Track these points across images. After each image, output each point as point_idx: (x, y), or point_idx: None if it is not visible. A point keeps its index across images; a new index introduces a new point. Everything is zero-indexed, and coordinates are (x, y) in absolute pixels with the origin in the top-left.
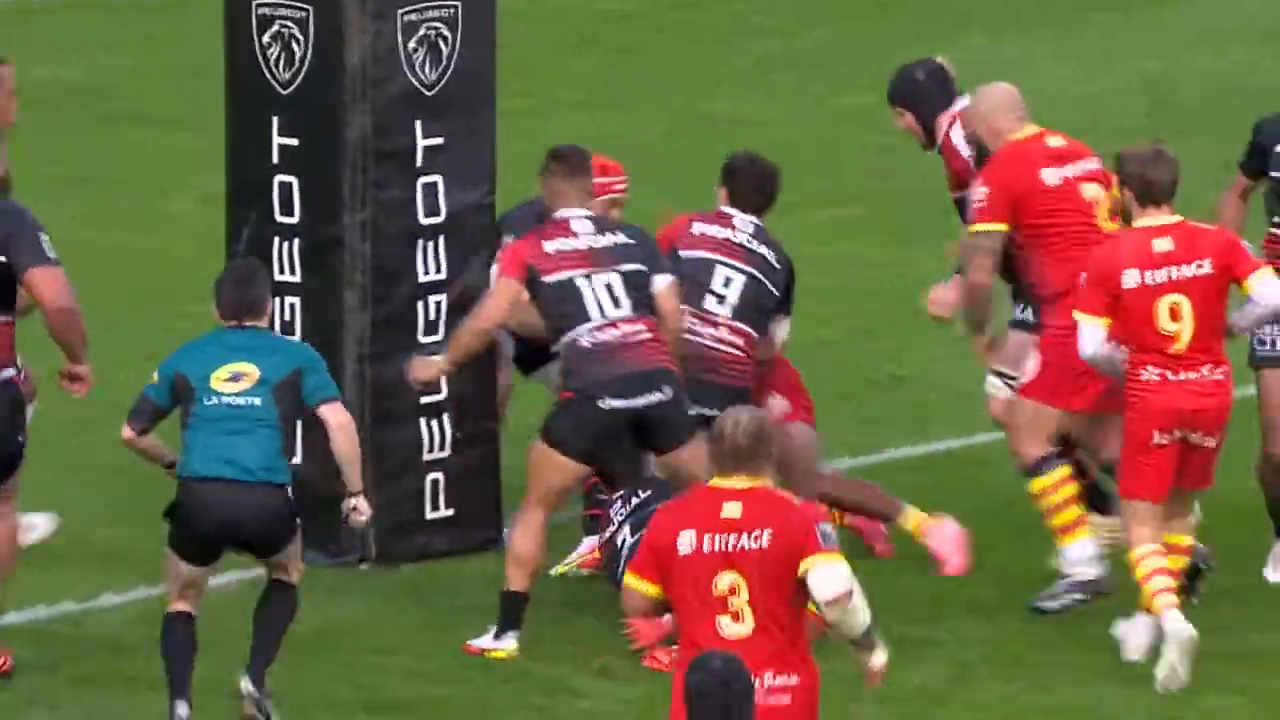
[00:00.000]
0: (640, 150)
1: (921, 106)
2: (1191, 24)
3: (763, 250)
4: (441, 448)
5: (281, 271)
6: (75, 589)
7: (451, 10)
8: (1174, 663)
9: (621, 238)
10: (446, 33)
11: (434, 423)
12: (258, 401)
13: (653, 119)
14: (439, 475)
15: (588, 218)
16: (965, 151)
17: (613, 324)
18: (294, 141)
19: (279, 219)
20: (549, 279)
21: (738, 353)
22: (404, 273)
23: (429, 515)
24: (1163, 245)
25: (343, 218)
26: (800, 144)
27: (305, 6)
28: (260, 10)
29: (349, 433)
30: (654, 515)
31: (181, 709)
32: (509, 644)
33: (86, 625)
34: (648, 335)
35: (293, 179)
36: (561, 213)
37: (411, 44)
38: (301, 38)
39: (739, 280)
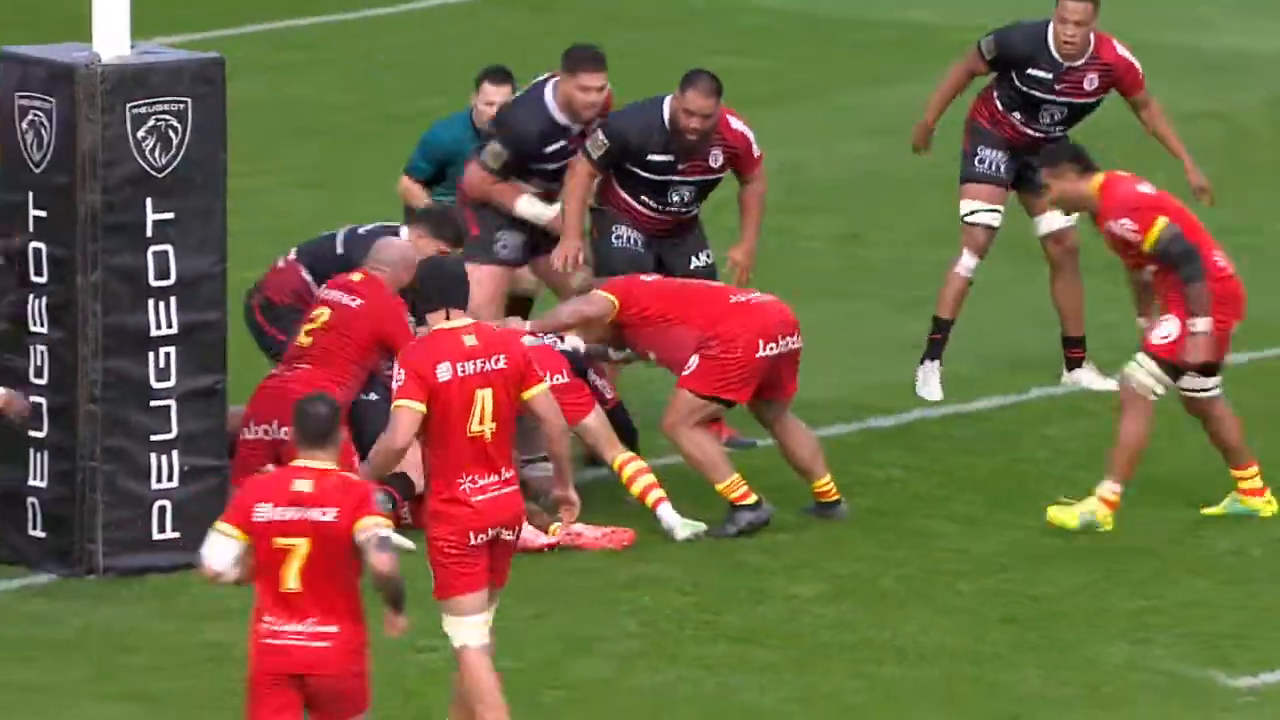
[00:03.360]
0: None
1: None
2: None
3: None
4: (170, 479)
5: (35, 324)
6: None
7: (181, 105)
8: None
9: None
10: (176, 124)
11: (163, 458)
12: None
13: (376, 198)
14: (166, 503)
15: None
16: None
17: None
18: (43, 213)
19: (33, 279)
20: None
21: None
22: (133, 326)
23: (156, 537)
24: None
25: (77, 280)
26: None
27: (50, 99)
28: (20, 102)
29: None
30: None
31: None
32: None
33: None
34: None
35: (42, 245)
36: None
37: (140, 133)
38: (48, 125)
39: None
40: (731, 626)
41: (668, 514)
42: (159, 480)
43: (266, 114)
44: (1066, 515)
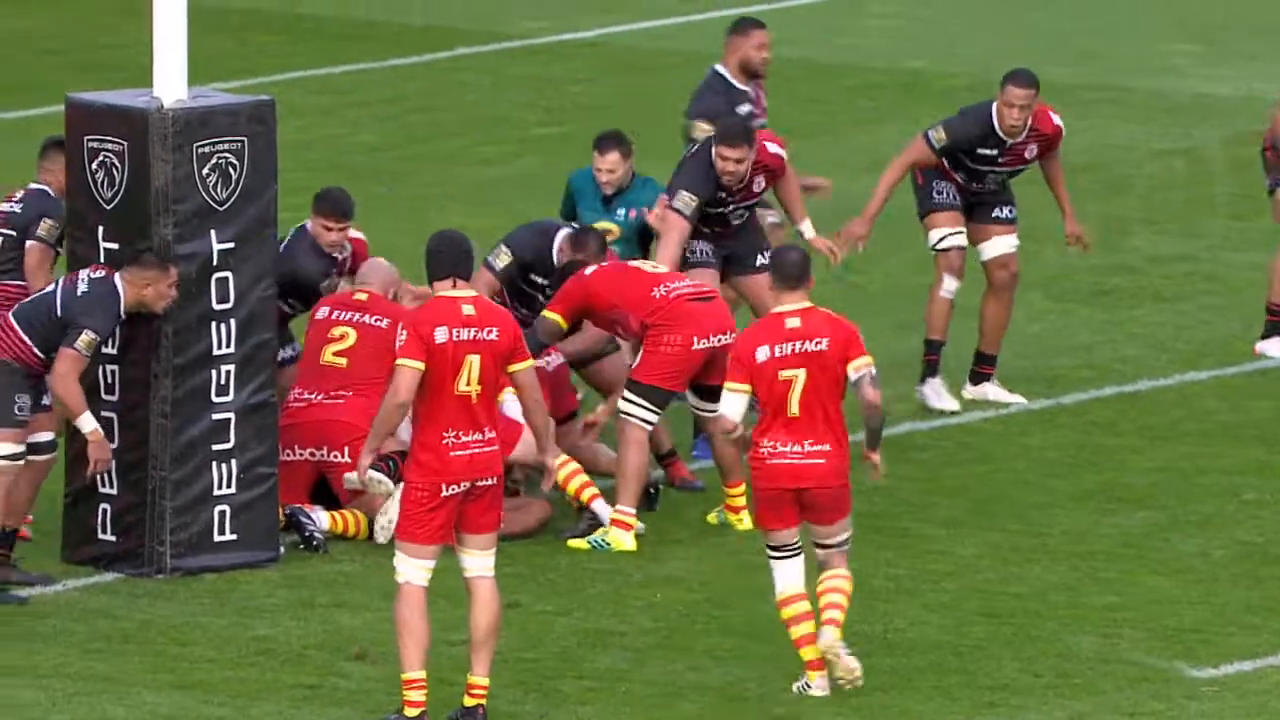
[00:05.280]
0: (387, 252)
1: None
2: None
3: None
4: (229, 485)
5: (106, 345)
6: None
7: (239, 143)
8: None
9: None
10: (235, 161)
11: (223, 466)
12: None
13: (400, 229)
14: (225, 508)
15: None
16: None
17: None
18: (114, 245)
19: None
20: None
21: None
22: (198, 346)
23: (217, 539)
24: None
25: None
26: None
27: (121, 141)
28: (89, 144)
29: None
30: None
31: None
32: None
33: None
34: None
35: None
36: None
37: (205, 170)
38: (120, 165)
39: None
40: (737, 621)
41: (603, 509)
42: (219, 487)
43: (300, 152)
44: (581, 543)
